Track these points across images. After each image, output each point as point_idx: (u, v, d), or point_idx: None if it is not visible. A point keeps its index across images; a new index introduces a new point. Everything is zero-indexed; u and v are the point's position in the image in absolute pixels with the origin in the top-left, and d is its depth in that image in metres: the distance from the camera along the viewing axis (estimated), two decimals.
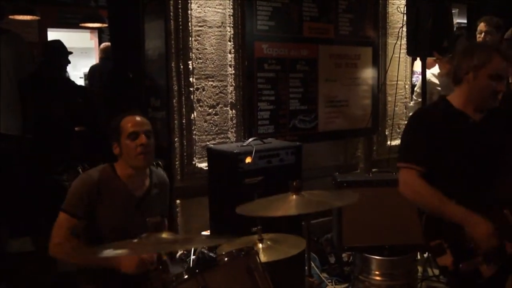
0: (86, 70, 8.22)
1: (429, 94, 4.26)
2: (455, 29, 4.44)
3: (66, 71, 5.17)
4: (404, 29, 4.50)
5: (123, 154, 2.48)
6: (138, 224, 2.08)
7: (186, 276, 1.98)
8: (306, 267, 2.33)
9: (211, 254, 3.03)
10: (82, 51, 8.75)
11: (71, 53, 5.05)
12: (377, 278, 3.43)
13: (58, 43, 4.94)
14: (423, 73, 4.19)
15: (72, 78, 7.85)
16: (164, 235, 1.82)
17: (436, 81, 4.49)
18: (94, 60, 8.56)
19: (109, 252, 1.77)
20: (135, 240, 1.80)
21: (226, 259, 2.08)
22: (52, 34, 7.44)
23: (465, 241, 2.27)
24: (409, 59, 5.19)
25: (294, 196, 2.14)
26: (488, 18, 4.66)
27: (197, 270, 1.99)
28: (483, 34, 4.60)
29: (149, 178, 2.61)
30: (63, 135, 4.40)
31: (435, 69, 4.58)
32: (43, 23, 7.29)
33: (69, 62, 5.04)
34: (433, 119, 2.45)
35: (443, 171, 2.40)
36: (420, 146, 2.42)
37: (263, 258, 2.29)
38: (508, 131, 2.43)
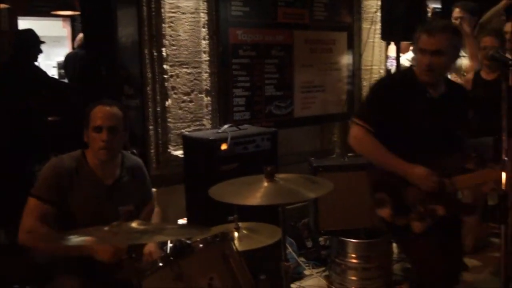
0: (59, 59, 8.09)
1: None
2: (429, 13, 4.45)
3: (37, 60, 5.05)
4: (379, 14, 4.51)
5: (90, 144, 2.46)
6: (110, 212, 2.06)
7: (160, 264, 1.97)
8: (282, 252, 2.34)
9: (188, 241, 3.02)
10: (54, 39, 8.57)
11: (43, 42, 4.95)
12: (353, 260, 3.48)
13: (29, 33, 4.84)
14: (397, 58, 4.20)
15: (45, 67, 7.71)
16: (135, 224, 1.80)
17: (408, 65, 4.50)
18: (67, 49, 8.41)
19: (77, 240, 1.74)
20: (106, 228, 1.78)
21: (201, 245, 2.07)
22: (23, 23, 7.27)
23: (405, 198, 2.49)
24: (383, 43, 5.20)
25: (266, 183, 2.13)
26: (463, 4, 4.68)
27: (171, 258, 1.98)
28: (458, 20, 4.62)
29: (120, 166, 2.58)
30: (33, 125, 4.32)
31: (409, 54, 4.60)
32: (13, 11, 7.12)
33: (41, 52, 4.93)
34: (396, 87, 2.62)
35: (394, 136, 2.54)
36: (376, 110, 2.59)
37: (239, 247, 2.29)
38: (461, 112, 2.64)
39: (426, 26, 2.54)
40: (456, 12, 4.65)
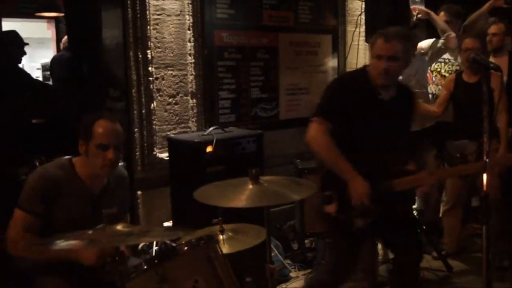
0: (44, 61, 8.01)
1: None
2: (415, 17, 4.49)
3: (20, 62, 5.00)
4: (363, 16, 4.54)
5: (89, 158, 2.41)
6: (96, 220, 2.05)
7: (145, 267, 1.96)
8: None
9: (173, 244, 3.01)
10: (39, 41, 8.47)
11: (27, 44, 4.90)
12: None
13: (13, 34, 4.78)
14: None
15: (29, 69, 7.67)
16: (120, 227, 1.79)
17: None
18: (51, 50, 8.32)
19: (62, 244, 1.73)
20: (90, 232, 1.77)
21: (185, 248, 2.06)
22: (7, 24, 7.19)
23: (349, 197, 2.61)
24: (368, 46, 5.24)
25: (251, 186, 2.13)
26: (448, 7, 4.73)
27: (156, 261, 1.97)
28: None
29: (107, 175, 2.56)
30: (16, 127, 4.27)
31: None
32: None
33: (25, 53, 4.89)
34: (349, 87, 2.71)
35: (346, 135, 2.64)
36: (332, 105, 2.68)
37: (224, 249, 2.28)
38: (407, 115, 2.76)
39: (383, 33, 2.62)
40: (442, 15, 4.71)
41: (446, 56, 4.70)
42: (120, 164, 2.78)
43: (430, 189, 2.66)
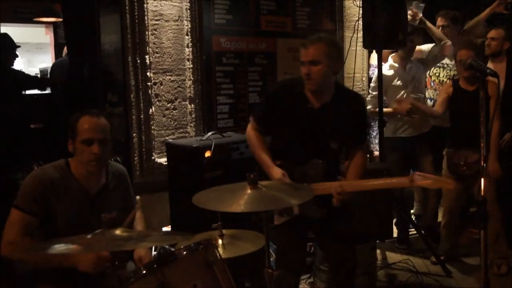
0: (42, 66, 8.03)
1: (385, 86, 4.33)
2: (417, 22, 4.52)
3: (12, 65, 4.97)
4: (360, 22, 4.55)
5: (77, 155, 2.42)
6: (95, 221, 2.04)
7: (144, 272, 1.95)
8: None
9: (172, 248, 3.01)
10: (37, 46, 8.51)
11: (18, 46, 4.90)
12: None
13: (4, 37, 4.78)
14: (379, 66, 4.24)
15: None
16: (119, 231, 1.79)
17: (390, 73, 4.53)
18: (50, 55, 8.34)
19: (60, 248, 1.72)
20: (88, 236, 1.77)
21: (184, 253, 2.06)
22: (5, 29, 7.19)
23: None
24: (365, 52, 5.26)
25: (249, 190, 2.13)
26: (445, 13, 4.77)
27: (155, 265, 1.97)
28: (440, 28, 4.70)
29: (105, 174, 2.56)
30: (14, 132, 4.26)
31: (389, 61, 4.62)
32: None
33: (17, 56, 4.88)
34: (282, 94, 2.82)
35: (277, 137, 2.86)
36: (263, 110, 2.89)
37: (223, 254, 2.28)
38: (344, 121, 2.73)
39: (303, 41, 2.72)
40: (439, 21, 4.74)
41: (445, 61, 4.72)
42: (118, 163, 2.78)
43: (338, 202, 2.58)
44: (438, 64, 4.74)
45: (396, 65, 4.50)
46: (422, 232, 4.36)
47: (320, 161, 2.68)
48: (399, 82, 4.45)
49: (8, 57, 4.73)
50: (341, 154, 2.87)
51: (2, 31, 6.76)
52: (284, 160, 2.76)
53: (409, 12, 4.34)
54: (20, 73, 5.06)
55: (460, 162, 3.94)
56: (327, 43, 2.67)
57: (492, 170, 3.80)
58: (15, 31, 5.67)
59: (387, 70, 4.47)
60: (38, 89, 5.61)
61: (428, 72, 4.78)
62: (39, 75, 7.98)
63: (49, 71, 7.50)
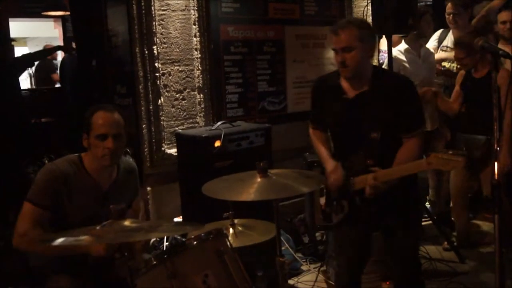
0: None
1: (396, 71, 4.28)
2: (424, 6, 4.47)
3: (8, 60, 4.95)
4: (369, 7, 4.49)
5: (91, 150, 2.43)
6: (104, 215, 2.04)
7: (154, 262, 1.96)
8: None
9: (183, 239, 3.01)
10: (46, 40, 8.52)
11: (14, 40, 4.89)
12: None
13: None
14: (389, 51, 4.18)
15: None
16: (127, 222, 1.79)
17: (403, 57, 4.49)
18: None
19: (71, 239, 1.73)
20: (98, 227, 1.77)
21: (195, 242, 2.06)
22: (15, 24, 7.24)
23: (330, 191, 2.71)
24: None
25: (259, 179, 2.12)
26: None
27: (165, 256, 1.97)
28: (451, 15, 4.62)
29: (116, 169, 2.57)
30: (25, 126, 4.28)
31: (402, 45, 4.58)
32: (4, 12, 7.06)
33: (12, 48, 4.87)
34: (321, 88, 2.78)
35: (329, 131, 2.84)
36: (313, 110, 2.87)
37: (235, 243, 2.27)
38: (383, 109, 2.56)
39: (333, 27, 2.60)
40: (449, 7, 4.65)
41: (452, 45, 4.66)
42: (130, 159, 2.79)
43: (369, 194, 2.48)
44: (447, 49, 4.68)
45: (409, 47, 4.45)
46: (435, 218, 4.32)
47: (362, 153, 2.56)
48: (411, 66, 4.40)
49: (5, 50, 4.71)
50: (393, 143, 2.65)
51: (11, 26, 6.79)
52: (338, 154, 2.72)
53: None
54: (13, 59, 5.03)
55: (462, 146, 3.90)
56: (358, 26, 2.53)
57: (504, 163, 3.70)
58: (25, 26, 5.70)
59: (399, 53, 4.43)
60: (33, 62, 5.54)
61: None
62: None
63: (58, 65, 7.54)
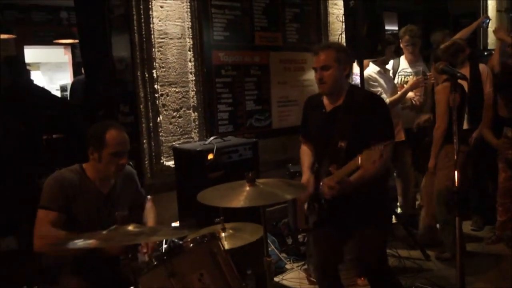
0: (62, 82, 8.00)
1: (373, 89, 4.34)
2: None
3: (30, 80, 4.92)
4: (343, 36, 4.54)
5: (101, 164, 2.40)
6: (107, 216, 2.03)
7: (155, 263, 1.94)
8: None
9: (180, 242, 2.98)
10: (57, 65, 8.46)
11: (28, 65, 4.87)
12: None
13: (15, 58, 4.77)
14: (361, 74, 4.22)
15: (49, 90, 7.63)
16: (131, 227, 1.78)
17: (378, 77, 4.51)
18: (68, 73, 8.30)
19: (82, 243, 1.71)
20: (105, 232, 1.75)
21: (191, 245, 2.04)
22: (29, 51, 7.19)
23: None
24: None
25: (248, 188, 2.12)
26: (409, 30, 4.73)
27: (165, 257, 1.95)
28: (406, 45, 4.73)
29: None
30: (38, 141, 4.25)
31: (374, 68, 4.59)
32: (19, 40, 7.03)
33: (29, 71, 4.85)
34: (311, 105, 2.85)
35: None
36: (302, 124, 2.92)
37: (226, 245, 2.26)
38: (348, 123, 2.57)
39: (314, 48, 2.66)
40: (406, 39, 4.73)
41: (409, 70, 4.74)
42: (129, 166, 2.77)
43: (329, 192, 2.45)
44: (406, 73, 4.75)
45: (380, 69, 4.52)
46: (402, 220, 4.35)
47: (328, 160, 2.59)
48: (382, 82, 4.46)
49: (23, 73, 4.69)
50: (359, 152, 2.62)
51: (25, 53, 6.76)
52: (317, 162, 2.78)
53: None
54: (46, 92, 5.02)
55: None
56: (336, 49, 2.60)
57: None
58: (38, 52, 5.66)
59: (374, 74, 4.48)
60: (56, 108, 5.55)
61: (399, 79, 4.78)
62: (59, 91, 7.96)
63: (68, 87, 7.50)
